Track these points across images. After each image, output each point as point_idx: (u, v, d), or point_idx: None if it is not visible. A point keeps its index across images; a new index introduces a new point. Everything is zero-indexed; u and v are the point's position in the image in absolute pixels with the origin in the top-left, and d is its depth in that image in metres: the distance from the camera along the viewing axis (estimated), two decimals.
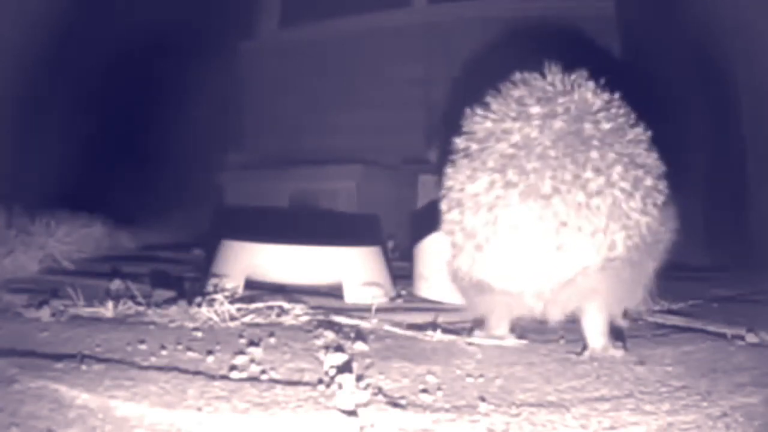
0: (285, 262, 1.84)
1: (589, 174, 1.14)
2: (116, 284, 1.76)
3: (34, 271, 2.12)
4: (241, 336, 1.32)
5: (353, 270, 1.81)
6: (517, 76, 1.26)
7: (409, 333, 1.39)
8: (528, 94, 1.22)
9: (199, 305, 1.48)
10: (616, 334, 1.28)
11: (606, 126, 1.18)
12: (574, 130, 1.17)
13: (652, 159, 1.20)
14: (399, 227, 2.72)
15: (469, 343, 1.32)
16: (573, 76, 1.24)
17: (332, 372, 1.10)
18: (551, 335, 1.36)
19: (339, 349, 1.23)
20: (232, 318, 1.44)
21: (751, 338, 1.32)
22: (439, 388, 1.04)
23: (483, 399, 0.99)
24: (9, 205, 2.32)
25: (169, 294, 1.64)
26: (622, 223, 1.14)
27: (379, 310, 1.56)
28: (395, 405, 0.96)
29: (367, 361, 1.18)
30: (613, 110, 1.21)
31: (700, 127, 2.74)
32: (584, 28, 2.96)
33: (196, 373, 1.09)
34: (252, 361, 1.15)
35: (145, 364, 1.13)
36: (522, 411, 0.94)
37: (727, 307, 1.69)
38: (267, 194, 3.24)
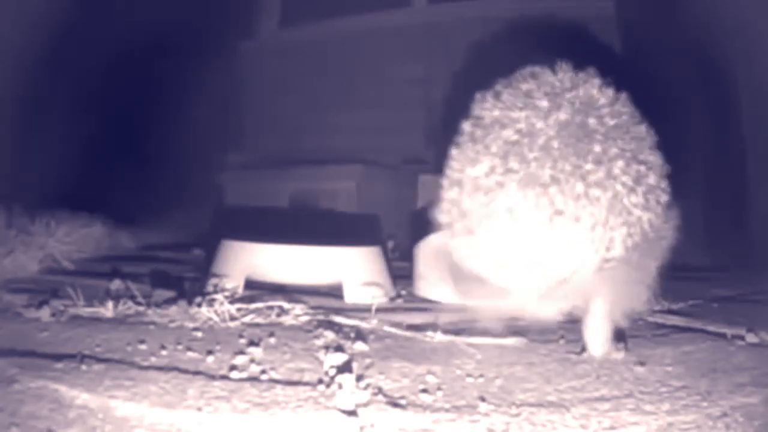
0: (285, 262, 1.84)
1: (590, 166, 1.14)
2: (116, 284, 1.76)
3: (34, 271, 2.12)
4: (241, 336, 1.32)
5: (353, 270, 1.81)
6: (528, 69, 1.27)
7: (409, 333, 1.39)
8: (536, 87, 1.23)
9: (199, 305, 1.48)
10: (617, 334, 1.27)
11: (610, 122, 1.19)
12: (579, 123, 1.17)
13: (655, 157, 1.20)
14: (399, 227, 2.72)
15: (469, 344, 1.32)
16: (580, 74, 1.25)
17: (332, 372, 1.10)
18: (551, 335, 1.36)
19: (339, 349, 1.23)
20: (232, 318, 1.44)
21: (751, 338, 1.32)
22: (439, 388, 1.04)
23: (483, 399, 0.99)
24: (9, 205, 2.32)
25: (169, 294, 1.64)
26: (623, 219, 1.14)
27: (379, 310, 1.56)
28: (395, 405, 0.96)
29: (367, 361, 1.18)
30: (618, 107, 1.22)
31: (700, 127, 2.74)
32: (584, 28, 2.96)
33: (196, 373, 1.09)
34: (252, 361, 1.15)
35: (145, 364, 1.13)
36: (522, 411, 0.94)
37: (727, 307, 1.69)
38: (267, 194, 3.24)
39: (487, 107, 1.24)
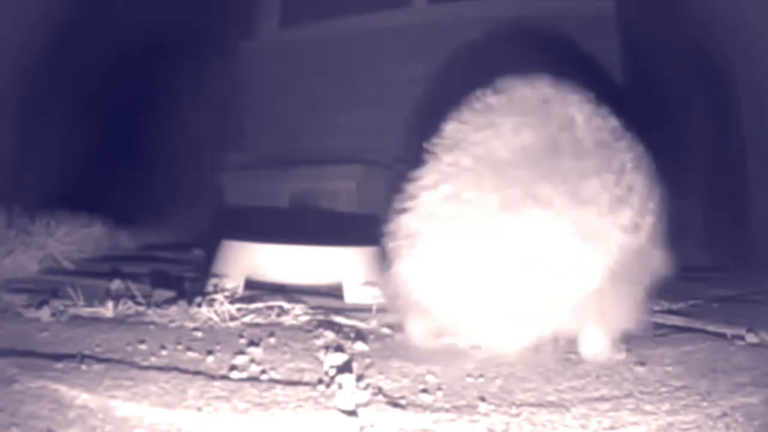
0: (285, 262, 1.84)
1: (555, 189, 1.07)
2: (116, 284, 1.76)
3: (34, 271, 2.12)
4: (241, 336, 1.32)
5: (353, 270, 1.81)
6: (497, 84, 1.21)
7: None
8: (504, 103, 1.17)
9: (199, 305, 1.48)
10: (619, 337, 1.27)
11: (584, 140, 1.12)
12: (546, 143, 1.11)
13: (640, 176, 1.13)
14: None
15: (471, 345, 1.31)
16: (554, 88, 1.18)
17: (332, 372, 1.10)
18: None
19: (339, 349, 1.23)
20: (232, 318, 1.44)
21: (751, 338, 1.32)
22: (439, 388, 1.04)
23: (483, 399, 0.99)
24: (9, 205, 2.32)
25: (169, 294, 1.64)
26: (593, 246, 1.07)
27: (379, 310, 1.56)
28: (395, 405, 0.96)
29: (367, 361, 1.18)
30: (596, 123, 1.14)
31: (700, 127, 2.74)
32: (584, 28, 2.96)
33: (196, 373, 1.09)
34: (252, 361, 1.15)
35: (145, 364, 1.13)
36: (522, 411, 0.94)
37: (727, 307, 1.69)
38: (267, 194, 3.25)
39: (448, 129, 1.19)
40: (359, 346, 1.27)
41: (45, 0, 2.84)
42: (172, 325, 1.41)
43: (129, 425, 0.90)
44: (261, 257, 1.83)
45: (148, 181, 3.59)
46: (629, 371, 1.13)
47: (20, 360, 1.12)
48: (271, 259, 1.84)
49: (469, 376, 1.10)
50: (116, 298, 1.56)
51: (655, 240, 1.16)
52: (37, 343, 1.25)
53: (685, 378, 1.09)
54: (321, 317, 1.50)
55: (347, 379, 1.05)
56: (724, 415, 0.93)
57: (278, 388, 1.02)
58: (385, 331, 1.41)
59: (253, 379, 1.07)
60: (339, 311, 1.56)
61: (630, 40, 3.11)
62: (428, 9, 3.57)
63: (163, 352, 1.20)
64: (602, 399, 0.99)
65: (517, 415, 0.93)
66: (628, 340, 1.29)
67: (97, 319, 1.46)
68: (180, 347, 1.23)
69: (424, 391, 1.02)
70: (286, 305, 1.54)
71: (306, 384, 1.05)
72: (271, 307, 1.52)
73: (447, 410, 0.95)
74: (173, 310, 1.48)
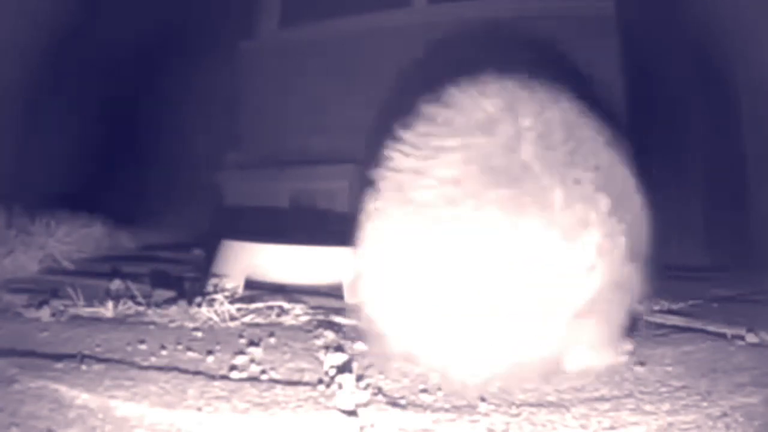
0: (285, 262, 1.84)
1: (495, 214, 0.98)
2: (116, 284, 1.76)
3: (34, 271, 2.13)
4: (241, 336, 1.32)
5: (353, 270, 1.81)
6: (446, 97, 1.11)
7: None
8: (453, 118, 1.08)
9: (199, 305, 1.48)
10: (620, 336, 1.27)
11: (539, 156, 1.01)
12: (495, 163, 1.01)
13: (604, 196, 1.01)
14: None
15: None
16: (508, 98, 1.08)
17: (332, 372, 1.10)
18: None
19: (339, 349, 1.23)
20: (232, 318, 1.44)
21: (751, 338, 1.32)
22: (439, 388, 1.04)
23: (483, 399, 0.99)
24: (9, 205, 2.32)
25: (169, 294, 1.64)
26: (544, 281, 0.97)
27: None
28: (395, 405, 0.96)
29: (367, 361, 1.18)
30: (556, 137, 1.03)
31: (700, 127, 2.74)
32: (584, 28, 2.95)
33: (196, 373, 1.09)
34: (252, 361, 1.15)
35: (145, 364, 1.13)
36: (522, 411, 0.94)
37: (727, 307, 1.69)
38: (267, 194, 3.25)
39: (393, 156, 1.10)
40: (359, 346, 1.27)
41: (45, 0, 2.84)
42: (172, 325, 1.41)
43: (129, 425, 0.90)
44: (261, 257, 1.83)
45: (149, 181, 3.59)
46: (629, 371, 1.13)
47: (20, 360, 1.12)
48: (271, 259, 1.84)
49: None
50: (116, 298, 1.56)
51: (631, 260, 1.06)
52: (37, 343, 1.25)
53: (685, 378, 1.09)
54: (321, 317, 1.50)
55: (347, 379, 1.05)
56: (724, 415, 0.93)
57: (278, 388, 1.02)
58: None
59: (253, 379, 1.07)
60: (339, 311, 1.56)
61: (630, 40, 3.11)
62: (428, 9, 3.56)
63: (163, 352, 1.20)
64: (602, 399, 0.99)
65: (517, 415, 0.93)
66: (629, 344, 1.29)
67: (97, 319, 1.46)
68: (180, 347, 1.23)
69: (424, 391, 1.02)
70: (286, 305, 1.54)
71: (306, 384, 1.05)
72: (271, 307, 1.52)
73: (447, 410, 0.95)
74: (173, 310, 1.48)
